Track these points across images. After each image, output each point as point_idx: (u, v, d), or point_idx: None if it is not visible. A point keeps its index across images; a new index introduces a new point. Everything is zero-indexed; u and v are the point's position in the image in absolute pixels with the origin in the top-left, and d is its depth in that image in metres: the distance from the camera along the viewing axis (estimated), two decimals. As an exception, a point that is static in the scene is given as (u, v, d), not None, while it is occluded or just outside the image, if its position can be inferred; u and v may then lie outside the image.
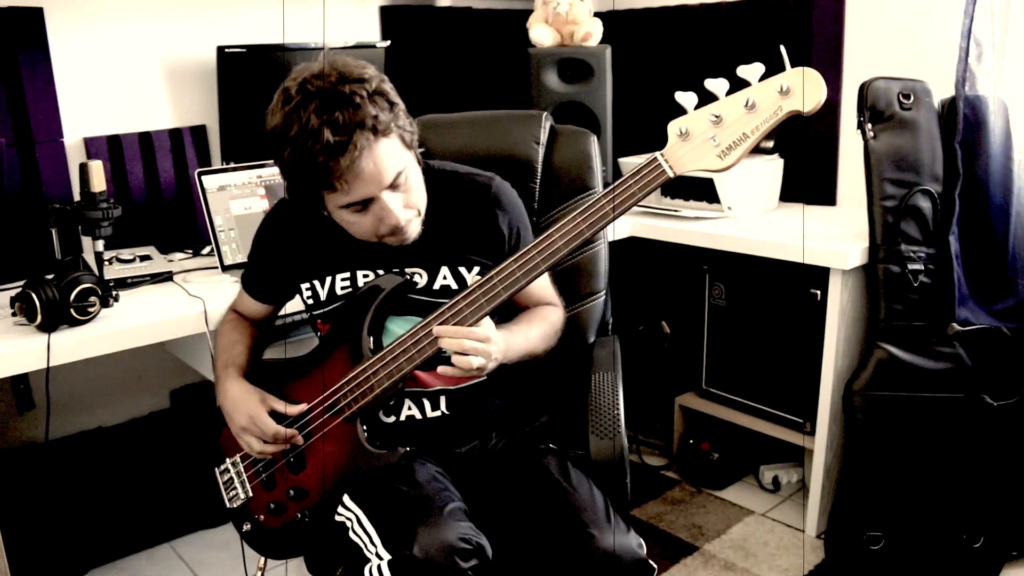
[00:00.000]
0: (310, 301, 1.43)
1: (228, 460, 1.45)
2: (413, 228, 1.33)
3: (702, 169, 1.20)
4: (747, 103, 1.16)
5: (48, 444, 2.13)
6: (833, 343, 2.09)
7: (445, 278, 1.39)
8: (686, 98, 1.21)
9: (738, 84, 1.19)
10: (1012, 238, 1.99)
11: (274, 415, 1.35)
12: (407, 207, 1.30)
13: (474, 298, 1.25)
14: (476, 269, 1.41)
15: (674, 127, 1.19)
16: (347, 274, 1.40)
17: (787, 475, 2.50)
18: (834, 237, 2.12)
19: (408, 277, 1.38)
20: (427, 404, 1.40)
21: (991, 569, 2.01)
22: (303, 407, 1.36)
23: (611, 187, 1.22)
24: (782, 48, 1.17)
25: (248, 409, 1.35)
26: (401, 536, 1.18)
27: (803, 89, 1.13)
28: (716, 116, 1.17)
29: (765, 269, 2.28)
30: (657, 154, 1.21)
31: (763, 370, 2.41)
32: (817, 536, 2.23)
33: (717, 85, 1.18)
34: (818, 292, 2.19)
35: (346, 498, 1.31)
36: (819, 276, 2.14)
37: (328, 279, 1.40)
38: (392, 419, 1.40)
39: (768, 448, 2.51)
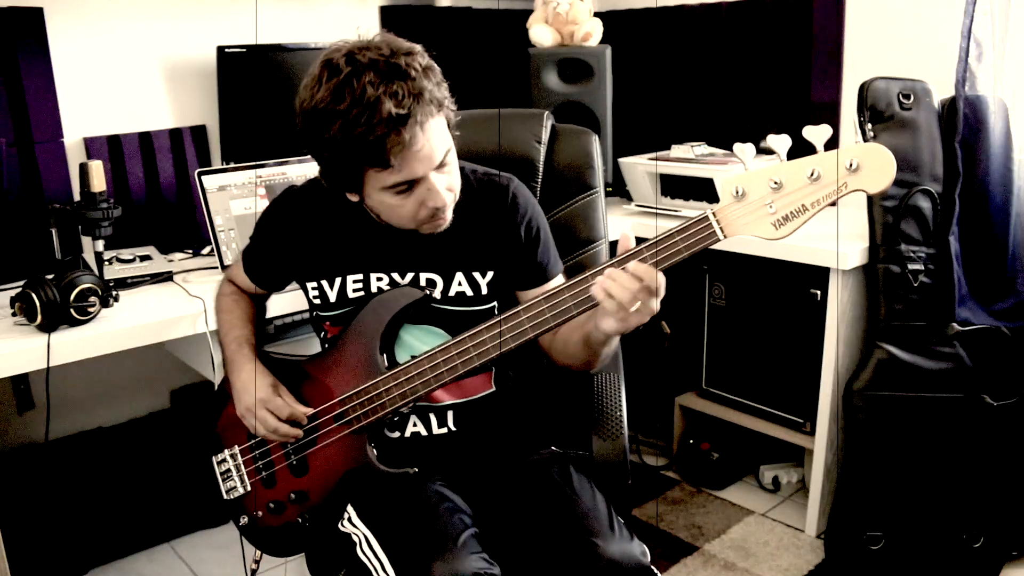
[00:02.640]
0: (317, 301, 1.38)
1: (227, 451, 1.44)
2: (449, 214, 1.28)
3: (754, 235, 1.13)
4: (812, 174, 1.08)
5: (48, 444, 2.13)
6: (833, 343, 2.09)
7: (460, 284, 1.35)
8: (744, 150, 1.14)
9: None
10: (1012, 238, 1.99)
11: None
12: (448, 189, 1.25)
13: (498, 331, 1.22)
14: (491, 275, 1.37)
15: (730, 186, 1.11)
16: (359, 276, 1.35)
17: (787, 475, 2.50)
18: (834, 237, 2.12)
19: (427, 291, 1.33)
20: (434, 420, 1.38)
21: (991, 569, 2.01)
22: (309, 410, 1.34)
23: (655, 238, 1.14)
24: (856, 117, 1.10)
25: (260, 392, 1.33)
26: (415, 568, 1.16)
27: (875, 168, 1.05)
28: (777, 183, 1.09)
29: (765, 269, 2.28)
30: (708, 212, 1.13)
31: (763, 370, 2.41)
32: (817, 536, 2.23)
33: (779, 142, 1.11)
34: (818, 292, 2.19)
35: (353, 515, 1.30)
36: (819, 276, 2.14)
37: (338, 280, 1.36)
38: (397, 435, 1.38)
39: (768, 448, 2.51)
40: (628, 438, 1.45)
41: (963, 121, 1.97)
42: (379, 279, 1.35)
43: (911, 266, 1.97)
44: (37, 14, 1.98)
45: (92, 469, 2.16)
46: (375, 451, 1.32)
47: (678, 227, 1.13)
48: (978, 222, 2.00)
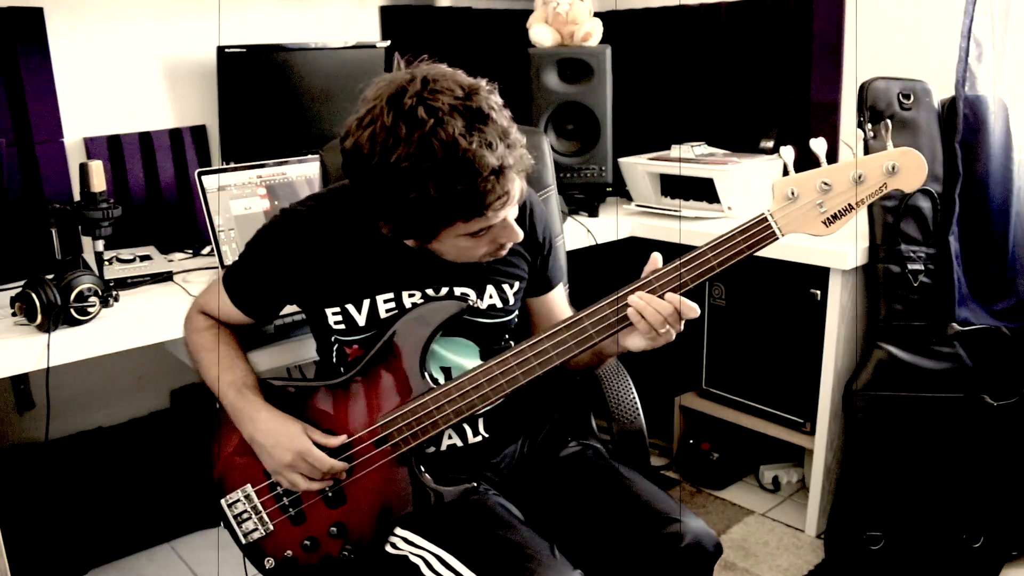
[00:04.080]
0: (340, 327, 1.29)
1: (239, 491, 1.33)
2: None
3: (807, 233, 1.22)
4: (859, 177, 1.18)
5: (48, 444, 2.13)
6: (833, 343, 2.08)
7: (491, 296, 1.33)
8: (787, 152, 1.23)
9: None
10: (1012, 238, 1.99)
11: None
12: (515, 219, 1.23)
13: (561, 339, 1.20)
14: (516, 285, 1.36)
15: (784, 188, 1.19)
16: (390, 295, 1.28)
17: (787, 475, 2.50)
18: (834, 237, 2.11)
19: (469, 302, 1.30)
20: (468, 430, 1.35)
21: (991, 569, 2.01)
22: (343, 439, 1.27)
23: (717, 239, 1.21)
24: (887, 123, 1.20)
25: (293, 444, 1.24)
26: None
27: (911, 170, 1.17)
28: (826, 184, 1.18)
29: (765, 269, 2.28)
30: (766, 213, 1.21)
31: (763, 370, 2.40)
32: (817, 536, 2.23)
33: (818, 145, 1.20)
34: (818, 292, 2.19)
35: (410, 535, 1.25)
36: (819, 276, 2.14)
37: (366, 302, 1.28)
38: (432, 449, 1.33)
39: (768, 448, 2.51)
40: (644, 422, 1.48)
41: (963, 121, 1.97)
42: (411, 296, 1.29)
43: (911, 266, 1.97)
44: (37, 14, 1.98)
45: (92, 469, 2.16)
46: (427, 473, 1.27)
47: (738, 229, 1.21)
48: (978, 222, 2.00)
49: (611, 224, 2.41)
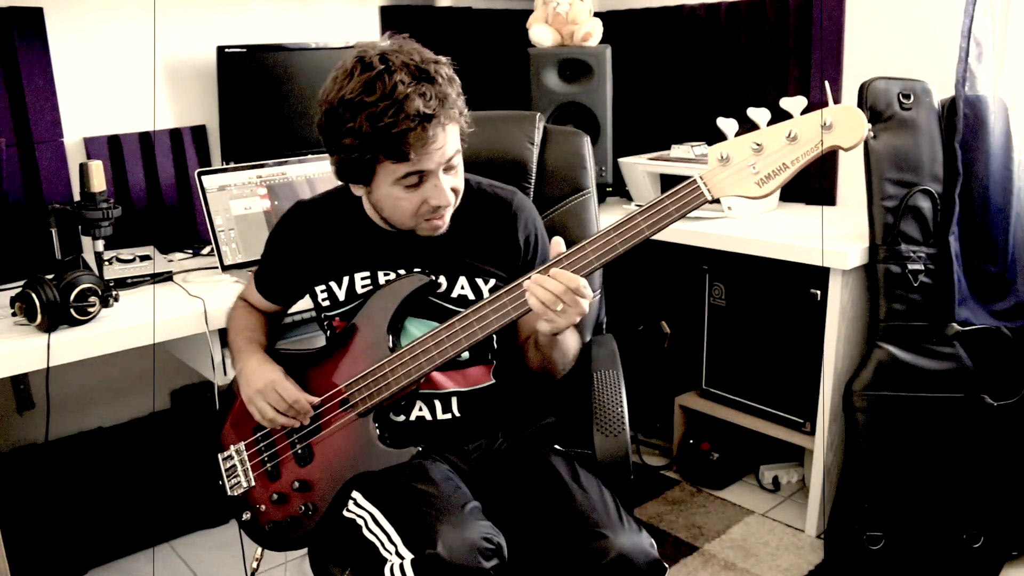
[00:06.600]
0: (326, 303, 1.42)
1: (232, 447, 1.45)
2: (447, 217, 1.36)
3: (739, 195, 1.21)
4: (789, 134, 1.17)
5: (48, 444, 2.13)
6: (833, 343, 2.08)
7: (463, 288, 1.40)
8: (727, 124, 1.23)
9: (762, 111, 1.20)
10: (1012, 238, 1.99)
11: None
12: (453, 190, 1.33)
13: (501, 303, 1.27)
14: (492, 282, 1.41)
15: (715, 151, 1.20)
16: (367, 273, 1.40)
17: (787, 475, 2.50)
18: (834, 237, 2.12)
19: (432, 278, 1.38)
20: (438, 406, 1.40)
21: (991, 569, 2.01)
22: (315, 399, 1.37)
23: (647, 204, 1.23)
24: (826, 84, 1.20)
25: (268, 376, 1.36)
26: (423, 535, 1.17)
27: (848, 126, 1.15)
28: (758, 144, 1.19)
29: (765, 269, 2.28)
30: (696, 176, 1.21)
31: (763, 370, 2.40)
32: (817, 536, 2.23)
33: (759, 114, 1.20)
34: (818, 292, 2.19)
35: (359, 497, 1.31)
36: (819, 276, 2.14)
37: (346, 279, 1.40)
38: (402, 419, 1.40)
39: (768, 448, 2.51)
40: (629, 436, 1.46)
41: (963, 121, 1.96)
42: (386, 275, 1.40)
43: (911, 266, 1.97)
44: (37, 14, 1.98)
45: (92, 469, 2.16)
46: (378, 430, 1.34)
47: (667, 193, 1.21)
48: (978, 222, 2.00)
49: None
